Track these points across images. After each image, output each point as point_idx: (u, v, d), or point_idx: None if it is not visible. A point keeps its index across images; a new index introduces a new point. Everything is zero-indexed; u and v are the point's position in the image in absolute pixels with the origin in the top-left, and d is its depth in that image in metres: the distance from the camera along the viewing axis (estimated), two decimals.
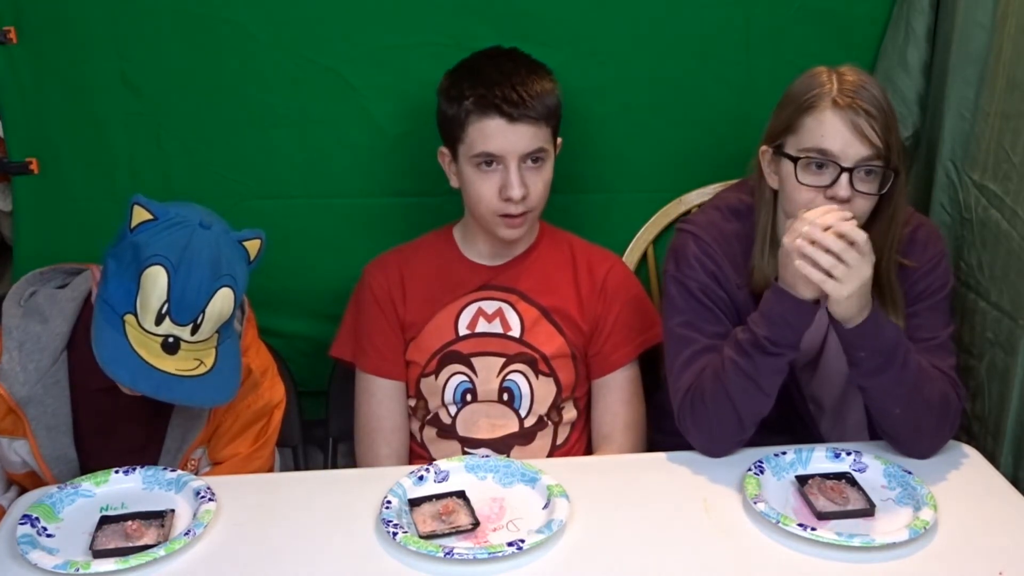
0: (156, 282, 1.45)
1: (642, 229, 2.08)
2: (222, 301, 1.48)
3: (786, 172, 1.55)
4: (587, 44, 1.95)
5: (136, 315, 1.46)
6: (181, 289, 1.45)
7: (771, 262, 1.59)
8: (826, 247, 1.44)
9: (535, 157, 1.70)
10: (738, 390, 1.55)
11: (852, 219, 1.47)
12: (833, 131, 1.49)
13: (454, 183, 1.78)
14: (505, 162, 1.69)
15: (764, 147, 1.60)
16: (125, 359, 1.45)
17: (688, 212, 2.04)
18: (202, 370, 1.49)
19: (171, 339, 1.47)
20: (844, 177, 1.49)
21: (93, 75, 1.91)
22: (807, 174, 1.52)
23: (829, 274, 1.44)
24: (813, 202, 1.51)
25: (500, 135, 1.67)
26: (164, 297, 1.45)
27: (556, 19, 1.93)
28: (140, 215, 1.48)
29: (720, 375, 1.57)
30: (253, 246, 1.54)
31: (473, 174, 1.72)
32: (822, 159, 1.50)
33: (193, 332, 1.47)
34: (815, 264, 1.45)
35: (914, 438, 1.59)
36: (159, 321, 1.46)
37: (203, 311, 1.47)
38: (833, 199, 1.50)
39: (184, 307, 1.46)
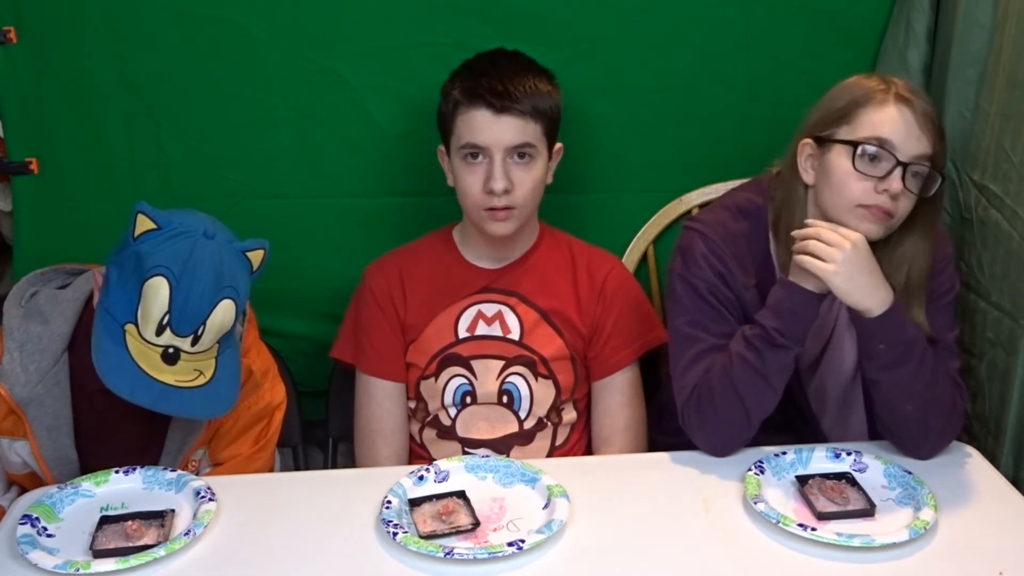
0: (158, 293, 1.45)
1: (642, 229, 2.08)
2: (223, 313, 1.48)
3: (836, 162, 1.54)
4: (587, 44, 1.95)
5: (137, 325, 1.46)
6: (183, 301, 1.45)
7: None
8: (803, 235, 1.51)
9: (521, 152, 1.70)
10: (747, 386, 1.56)
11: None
12: (896, 122, 1.49)
13: (451, 181, 1.78)
14: (490, 154, 1.69)
15: (805, 139, 1.58)
16: (124, 370, 1.45)
17: (688, 212, 2.04)
18: (201, 381, 1.49)
19: (171, 350, 1.47)
20: (898, 171, 1.50)
21: (93, 75, 1.90)
22: (863, 163, 1.51)
23: (819, 257, 1.49)
24: (864, 195, 1.51)
25: (485, 126, 1.67)
26: (165, 308, 1.45)
27: (556, 19, 1.93)
28: (144, 224, 1.47)
29: (728, 371, 1.57)
30: (256, 256, 1.54)
31: (461, 167, 1.72)
32: (879, 149, 1.50)
33: (194, 343, 1.47)
34: (807, 251, 1.50)
35: (922, 437, 1.59)
36: (160, 332, 1.46)
37: (204, 323, 1.47)
38: (885, 192, 1.50)
39: (185, 319, 1.46)
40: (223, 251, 1.49)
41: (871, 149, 1.50)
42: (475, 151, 1.70)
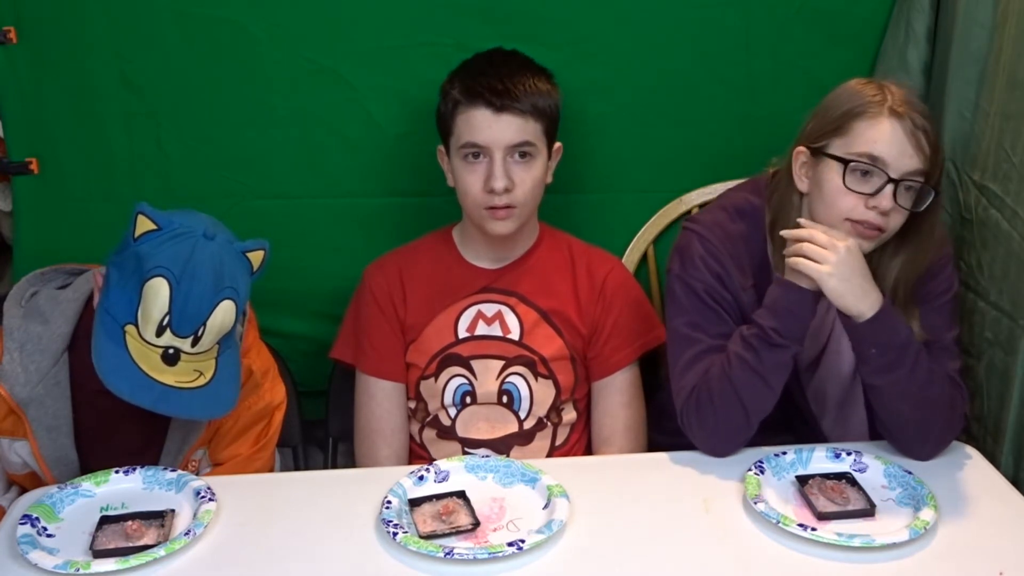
0: (158, 294, 1.45)
1: (642, 229, 2.07)
2: (223, 314, 1.48)
3: (827, 175, 1.53)
4: (587, 44, 1.95)
5: (137, 326, 1.46)
6: (183, 302, 1.45)
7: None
8: (795, 236, 1.52)
9: (522, 151, 1.70)
10: (745, 385, 1.56)
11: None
12: (888, 139, 1.48)
13: (450, 181, 1.78)
14: (491, 153, 1.69)
15: (800, 148, 1.58)
16: (124, 371, 1.45)
17: (688, 212, 2.04)
18: (201, 382, 1.49)
19: (171, 351, 1.47)
20: (889, 188, 1.49)
21: (93, 75, 1.90)
22: (853, 179, 1.50)
23: (811, 259, 1.50)
24: (854, 210, 1.51)
25: (485, 125, 1.68)
26: (166, 309, 1.45)
27: (556, 19, 1.93)
28: (144, 225, 1.47)
29: (727, 371, 1.57)
30: (256, 257, 1.54)
31: (461, 166, 1.72)
32: (870, 166, 1.49)
33: (194, 344, 1.47)
34: (799, 253, 1.51)
35: (920, 438, 1.60)
36: (160, 333, 1.46)
37: (204, 324, 1.47)
38: (875, 208, 1.50)
39: (185, 319, 1.46)
40: (223, 252, 1.49)
41: (862, 167, 1.50)
42: (475, 150, 1.70)
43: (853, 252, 1.50)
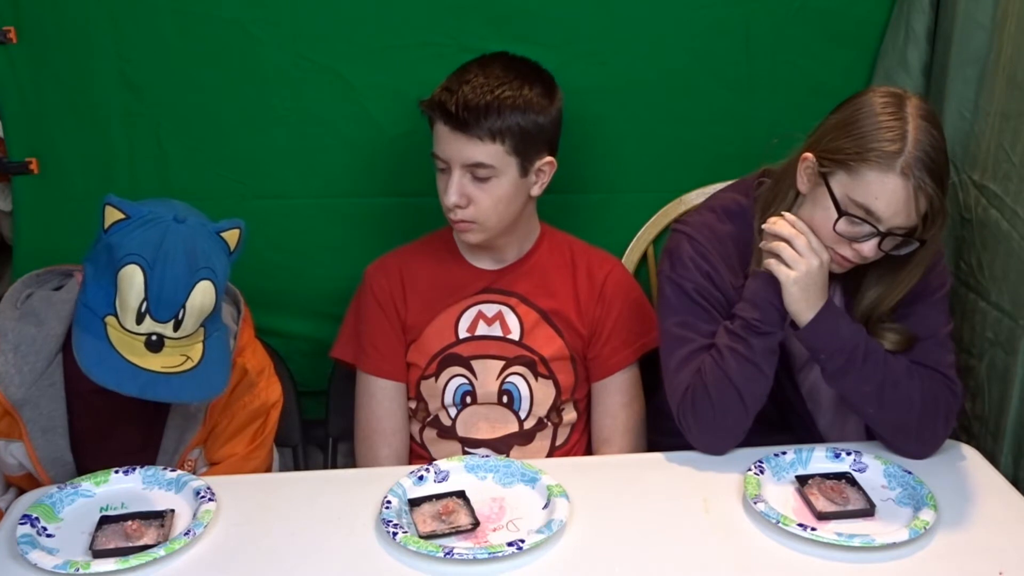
0: (133, 281, 1.44)
1: (642, 229, 2.08)
2: (202, 295, 1.47)
3: (822, 203, 1.53)
4: (587, 44, 1.95)
5: (117, 316, 1.46)
6: (158, 286, 1.44)
7: None
8: (776, 233, 1.54)
9: (479, 171, 1.68)
10: (739, 374, 1.57)
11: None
12: (889, 198, 1.47)
13: None
14: (450, 167, 1.69)
15: (809, 156, 1.55)
16: (108, 362, 1.44)
17: (689, 212, 2.04)
18: (189, 366, 1.48)
19: (154, 337, 1.46)
20: (875, 240, 1.51)
21: (93, 75, 1.90)
22: (843, 225, 1.51)
23: (781, 260, 1.53)
24: (836, 246, 1.53)
25: (444, 140, 1.68)
26: (142, 295, 1.44)
27: (556, 19, 1.93)
28: (112, 215, 1.47)
29: (720, 364, 1.58)
30: (232, 236, 1.53)
31: (436, 173, 1.73)
32: (864, 220, 1.50)
33: (176, 328, 1.47)
34: (775, 251, 1.54)
35: (898, 438, 1.61)
36: (140, 320, 1.45)
37: (183, 306, 1.46)
38: (857, 252, 1.52)
39: (163, 304, 1.45)
40: (196, 234, 1.48)
41: (855, 220, 1.50)
42: (440, 161, 1.70)
43: (824, 269, 1.54)
